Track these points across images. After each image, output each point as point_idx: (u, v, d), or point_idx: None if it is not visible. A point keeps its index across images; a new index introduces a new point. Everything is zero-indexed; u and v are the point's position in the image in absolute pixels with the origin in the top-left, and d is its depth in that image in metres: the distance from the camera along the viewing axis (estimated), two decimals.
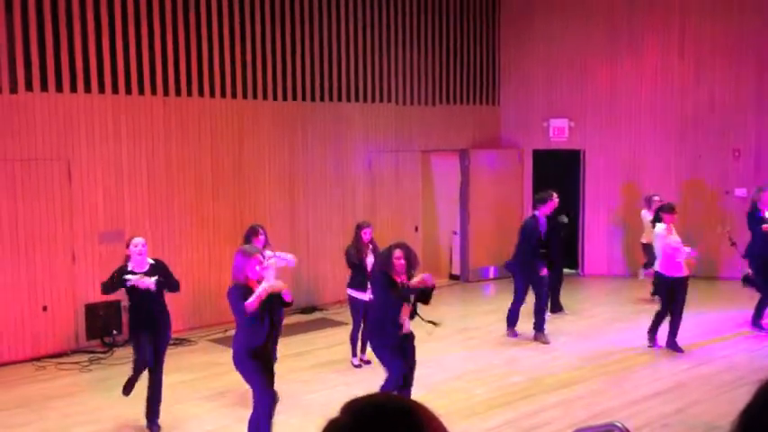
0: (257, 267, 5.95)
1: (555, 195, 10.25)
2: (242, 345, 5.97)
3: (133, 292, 6.88)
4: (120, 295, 9.68)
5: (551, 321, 10.09)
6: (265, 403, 6.04)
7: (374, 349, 6.76)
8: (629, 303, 11.58)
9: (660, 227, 9.06)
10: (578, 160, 13.79)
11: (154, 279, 6.85)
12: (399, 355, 6.58)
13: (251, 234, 8.17)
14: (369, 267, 8.41)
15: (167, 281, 7.07)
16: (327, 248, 11.75)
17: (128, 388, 6.97)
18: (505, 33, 14.10)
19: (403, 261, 6.47)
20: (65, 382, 8.47)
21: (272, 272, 7.88)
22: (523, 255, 9.73)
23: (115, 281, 6.95)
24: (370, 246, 8.64)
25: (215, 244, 10.57)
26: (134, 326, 6.96)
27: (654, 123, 13.34)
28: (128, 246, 7.06)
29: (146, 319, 6.88)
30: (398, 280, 6.51)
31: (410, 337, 6.75)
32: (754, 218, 9.93)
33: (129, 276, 6.84)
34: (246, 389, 6.57)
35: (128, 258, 7.03)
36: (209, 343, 9.86)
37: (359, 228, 8.72)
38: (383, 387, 6.58)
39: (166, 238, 10.11)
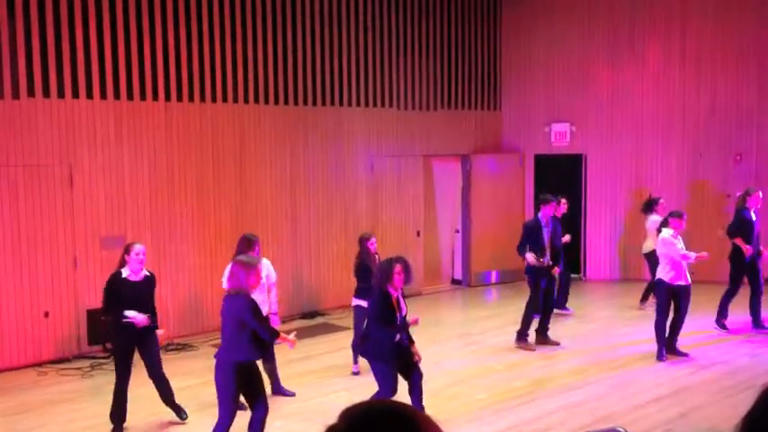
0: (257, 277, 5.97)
1: (562, 201, 10.40)
2: (229, 357, 5.90)
3: (125, 303, 6.82)
4: None
5: (552, 325, 10.04)
6: (227, 414, 5.97)
7: (369, 361, 6.83)
8: (631, 308, 11.55)
9: (667, 232, 8.88)
10: (580, 165, 13.79)
11: (147, 317, 6.88)
12: (393, 368, 6.60)
13: (245, 246, 7.69)
14: None
15: (150, 302, 7.08)
16: (329, 253, 11.76)
17: (117, 417, 6.98)
18: (507, 38, 14.12)
19: (402, 275, 6.56)
20: (66, 387, 8.47)
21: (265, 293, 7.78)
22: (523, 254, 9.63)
23: (111, 310, 6.94)
24: (377, 256, 8.65)
25: (216, 249, 10.56)
26: (122, 338, 6.94)
27: (655, 127, 13.34)
28: (127, 252, 6.94)
29: (135, 333, 6.87)
30: (395, 294, 6.61)
31: (408, 350, 6.74)
32: (740, 216, 9.94)
33: (128, 313, 6.81)
34: None
35: (123, 264, 6.95)
36: (211, 348, 9.84)
37: (364, 239, 8.68)
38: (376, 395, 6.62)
39: (168, 243, 10.11)
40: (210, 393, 7.98)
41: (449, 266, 14.01)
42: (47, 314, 9.27)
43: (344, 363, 8.85)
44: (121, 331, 6.89)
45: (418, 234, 12.84)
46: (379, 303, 6.61)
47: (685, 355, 8.98)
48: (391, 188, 12.56)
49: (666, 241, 8.82)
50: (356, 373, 8.66)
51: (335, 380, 8.48)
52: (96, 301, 9.51)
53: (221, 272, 10.40)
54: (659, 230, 9.19)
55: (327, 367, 8.97)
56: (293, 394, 7.87)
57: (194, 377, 8.57)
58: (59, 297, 9.38)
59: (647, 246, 11.04)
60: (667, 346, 8.96)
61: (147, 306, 6.94)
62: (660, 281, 8.92)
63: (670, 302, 8.88)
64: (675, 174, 13.26)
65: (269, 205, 11.16)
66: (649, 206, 11.22)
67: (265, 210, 11.09)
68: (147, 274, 7.04)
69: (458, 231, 13.82)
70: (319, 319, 11.32)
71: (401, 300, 6.73)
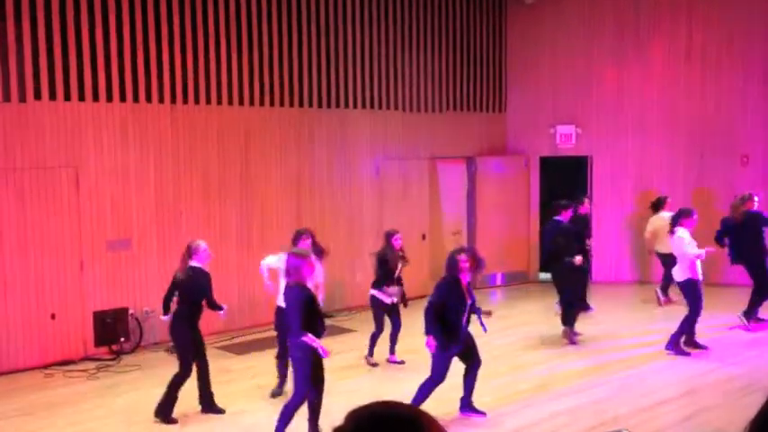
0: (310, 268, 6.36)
1: (585, 200, 11.28)
2: (300, 342, 6.23)
3: (202, 295, 7.33)
4: (129, 303, 9.75)
5: (558, 327, 10.03)
6: (302, 393, 6.33)
7: (435, 347, 7.18)
8: (638, 309, 11.54)
9: (684, 232, 8.97)
10: (585, 166, 13.77)
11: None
12: (449, 356, 7.08)
13: (294, 239, 8.12)
14: (398, 273, 8.92)
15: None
16: (335, 255, 11.71)
17: (168, 408, 7.13)
18: (512, 40, 14.11)
19: (468, 264, 6.99)
20: (72, 389, 8.48)
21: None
22: (565, 256, 9.75)
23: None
24: (401, 252, 8.99)
25: (222, 251, 10.56)
26: (187, 327, 7.28)
27: (661, 129, 13.31)
28: (195, 251, 7.29)
29: (195, 322, 7.34)
30: (464, 281, 7.05)
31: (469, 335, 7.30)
32: (761, 218, 10.05)
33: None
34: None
35: (185, 262, 7.30)
36: (217, 350, 9.85)
37: (389, 235, 9.05)
38: (426, 382, 7.09)
39: (173, 245, 10.09)
40: (217, 395, 8.01)
41: None
42: (53, 316, 9.29)
43: (350, 364, 8.86)
44: (195, 324, 7.31)
45: (423, 237, 12.82)
46: (445, 289, 6.99)
47: (705, 347, 9.23)
48: (396, 191, 12.55)
49: (686, 241, 8.94)
50: (374, 365, 8.92)
51: (341, 381, 8.48)
52: (102, 303, 9.55)
53: (227, 273, 10.46)
54: (671, 228, 9.26)
55: (333, 369, 8.93)
56: None
57: None
58: (66, 299, 9.39)
59: (663, 245, 11.06)
60: (687, 341, 9.20)
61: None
62: (689, 280, 9.00)
63: (699, 297, 9.01)
64: (681, 175, 13.22)
65: (274, 207, 11.17)
66: (657, 205, 11.35)
67: (271, 212, 11.10)
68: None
69: (456, 233, 13.75)
70: (326, 321, 11.29)
71: (470, 288, 7.12)
